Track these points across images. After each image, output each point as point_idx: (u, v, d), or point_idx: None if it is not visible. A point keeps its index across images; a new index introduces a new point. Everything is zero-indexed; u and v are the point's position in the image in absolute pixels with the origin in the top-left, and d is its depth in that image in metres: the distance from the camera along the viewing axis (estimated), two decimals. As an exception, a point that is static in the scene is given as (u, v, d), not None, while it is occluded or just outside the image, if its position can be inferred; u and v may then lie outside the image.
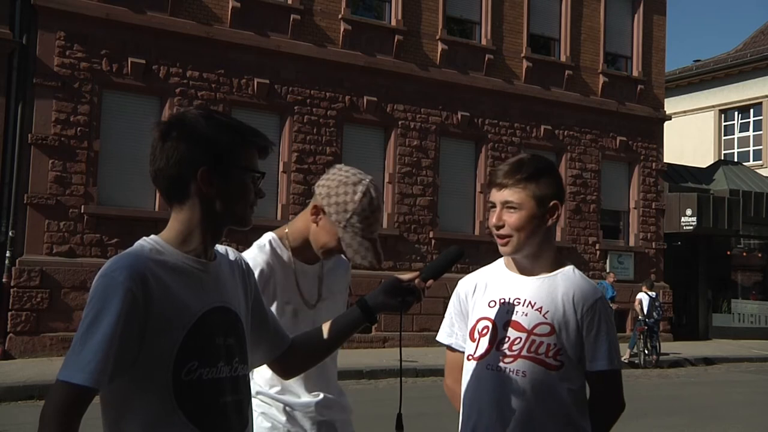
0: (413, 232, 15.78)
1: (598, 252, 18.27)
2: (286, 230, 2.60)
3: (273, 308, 2.50)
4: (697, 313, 21.07)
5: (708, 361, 16.33)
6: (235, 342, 1.77)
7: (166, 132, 1.72)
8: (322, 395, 2.54)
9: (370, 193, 2.44)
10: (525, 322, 2.25)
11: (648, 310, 15.76)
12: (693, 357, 16.41)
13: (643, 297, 15.97)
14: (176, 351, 1.64)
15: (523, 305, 2.28)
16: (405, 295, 2.02)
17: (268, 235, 2.61)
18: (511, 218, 2.26)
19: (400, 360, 2.33)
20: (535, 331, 2.24)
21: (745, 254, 23.15)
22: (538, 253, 2.32)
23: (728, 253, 22.22)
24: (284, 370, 2.08)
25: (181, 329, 1.65)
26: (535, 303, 2.27)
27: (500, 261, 2.44)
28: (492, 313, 2.31)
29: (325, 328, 2.04)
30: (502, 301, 2.31)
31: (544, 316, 2.25)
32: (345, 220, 2.44)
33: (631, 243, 19.15)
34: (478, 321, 2.34)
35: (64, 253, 12.47)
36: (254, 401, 2.50)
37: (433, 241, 15.94)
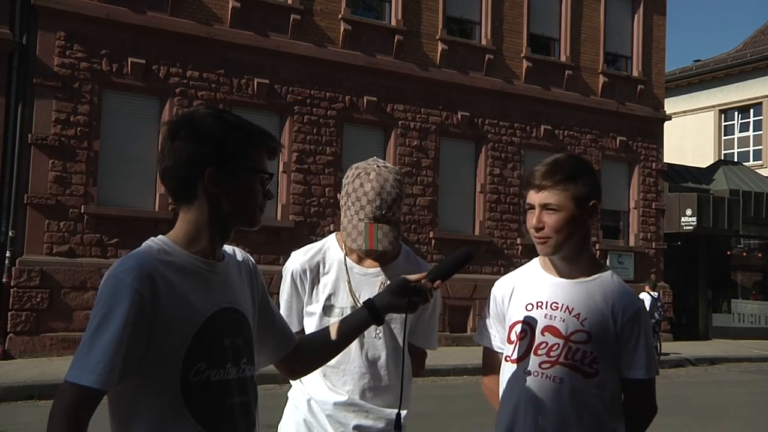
0: (413, 232, 15.77)
1: (598, 252, 18.24)
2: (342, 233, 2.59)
3: (317, 308, 2.52)
4: (697, 313, 21.06)
5: (708, 361, 16.33)
6: (243, 343, 1.77)
7: (175, 131, 1.71)
8: (346, 397, 2.50)
9: (365, 176, 2.44)
10: (562, 328, 2.25)
11: (649, 311, 15.78)
12: (693, 357, 16.41)
13: (645, 297, 15.98)
14: (184, 352, 1.64)
15: (560, 310, 2.27)
16: (412, 295, 2.00)
17: (330, 236, 2.63)
18: (551, 219, 2.26)
19: (403, 360, 2.31)
20: (572, 338, 2.24)
21: (745, 254, 23.15)
22: (575, 255, 2.31)
23: (728, 253, 22.22)
24: (290, 370, 2.07)
25: (189, 330, 1.65)
26: (572, 309, 2.26)
27: (535, 261, 2.43)
28: (529, 317, 2.31)
29: (333, 329, 2.03)
30: (540, 304, 2.30)
31: (581, 323, 2.24)
32: (344, 204, 2.47)
33: (631, 243, 19.14)
34: (515, 324, 2.34)
35: (64, 253, 12.46)
36: (293, 386, 2.60)
37: (433, 241, 15.94)
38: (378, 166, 2.50)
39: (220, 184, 1.70)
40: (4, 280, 12.00)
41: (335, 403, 2.49)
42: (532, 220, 2.30)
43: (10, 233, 12.13)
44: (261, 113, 14.02)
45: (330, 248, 2.58)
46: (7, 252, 12.06)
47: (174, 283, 1.64)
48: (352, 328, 2.04)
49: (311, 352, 2.04)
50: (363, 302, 2.05)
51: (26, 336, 12.01)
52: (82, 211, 12.59)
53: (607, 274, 2.34)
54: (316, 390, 2.53)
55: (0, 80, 12.14)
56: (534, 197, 2.30)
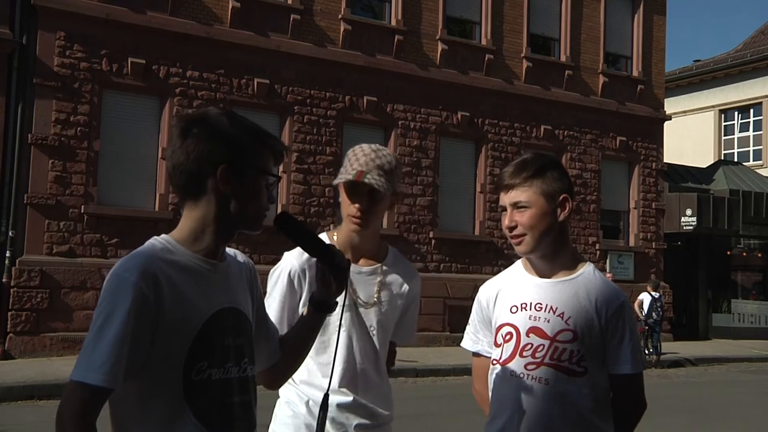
0: (413, 232, 15.77)
1: (598, 252, 18.26)
2: (335, 231, 2.61)
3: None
4: (697, 313, 21.06)
5: (708, 361, 16.33)
6: (244, 343, 1.78)
7: (187, 128, 1.73)
8: (351, 398, 2.51)
9: (360, 147, 2.52)
10: (547, 329, 2.25)
11: (648, 311, 15.79)
12: (693, 357, 16.42)
13: (645, 297, 16.03)
14: (186, 351, 1.64)
15: (545, 311, 2.27)
16: (331, 274, 1.92)
17: (321, 235, 2.65)
18: (523, 217, 2.27)
19: (338, 338, 2.22)
20: (558, 338, 2.23)
21: (745, 254, 23.14)
22: (554, 253, 2.31)
23: (728, 253, 22.21)
24: (272, 379, 2.04)
25: (192, 330, 1.65)
26: (557, 308, 2.26)
27: (518, 264, 2.44)
28: (514, 320, 2.30)
29: (292, 336, 2.03)
30: (524, 306, 2.30)
31: (566, 322, 2.24)
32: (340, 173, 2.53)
33: (631, 243, 19.14)
34: (501, 327, 2.34)
35: (64, 253, 12.46)
36: (282, 389, 2.56)
37: (433, 241, 15.94)
38: (376, 146, 2.58)
39: (230, 183, 1.71)
40: (4, 280, 12.00)
41: (339, 405, 2.49)
42: (504, 220, 2.31)
43: (10, 233, 12.13)
44: (261, 113, 14.03)
45: None
46: (7, 252, 12.06)
47: (177, 283, 1.65)
48: (310, 328, 2.01)
49: (287, 359, 2.01)
50: (309, 301, 2.00)
51: (26, 336, 12.00)
52: (82, 211, 12.59)
53: (589, 270, 2.33)
54: (316, 392, 2.49)
55: (0, 80, 12.14)
56: (504, 198, 2.31)
